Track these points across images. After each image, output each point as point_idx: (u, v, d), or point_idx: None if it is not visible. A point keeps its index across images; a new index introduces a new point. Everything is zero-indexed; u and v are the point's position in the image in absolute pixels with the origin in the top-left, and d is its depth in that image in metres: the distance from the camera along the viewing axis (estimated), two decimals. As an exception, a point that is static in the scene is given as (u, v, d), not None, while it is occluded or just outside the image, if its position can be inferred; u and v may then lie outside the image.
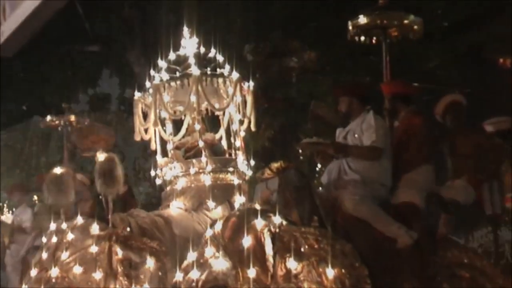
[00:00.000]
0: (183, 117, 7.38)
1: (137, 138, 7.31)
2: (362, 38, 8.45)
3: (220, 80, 7.15)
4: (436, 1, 12.35)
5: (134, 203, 9.38)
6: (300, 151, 6.90)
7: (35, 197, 11.86)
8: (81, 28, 14.15)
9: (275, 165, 6.24)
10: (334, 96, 7.44)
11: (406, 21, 8.26)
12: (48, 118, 11.22)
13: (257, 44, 12.72)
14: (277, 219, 5.73)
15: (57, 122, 11.17)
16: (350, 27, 8.36)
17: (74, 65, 14.60)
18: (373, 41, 8.50)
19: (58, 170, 6.81)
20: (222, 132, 7.58)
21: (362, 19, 8.21)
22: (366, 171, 6.43)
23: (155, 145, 7.31)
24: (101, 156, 6.58)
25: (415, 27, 8.34)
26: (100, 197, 7.29)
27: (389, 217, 6.23)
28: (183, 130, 7.56)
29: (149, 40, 12.94)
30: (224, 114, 7.50)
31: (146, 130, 7.28)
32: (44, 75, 14.28)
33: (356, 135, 6.59)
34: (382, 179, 6.50)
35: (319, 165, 7.10)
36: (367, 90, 7.08)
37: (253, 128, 7.35)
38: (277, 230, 5.67)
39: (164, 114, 7.27)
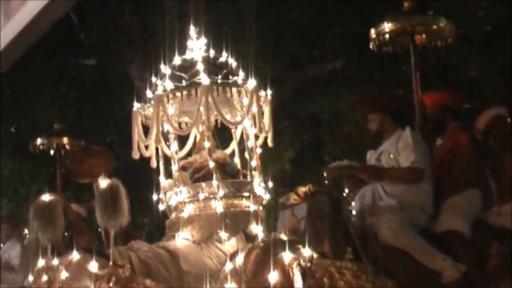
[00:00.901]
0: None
1: (136, 156, 7.13)
2: (387, 48, 8.44)
3: (234, 89, 6.98)
4: (476, 2, 12.18)
5: (137, 236, 9.21)
6: (326, 175, 6.88)
7: (26, 231, 11.69)
8: (75, 39, 14.08)
9: (302, 189, 6.18)
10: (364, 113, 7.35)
11: (435, 26, 8.18)
12: (38, 141, 11.11)
13: (274, 54, 12.54)
14: (306, 251, 5.62)
15: (48, 145, 11.02)
16: (374, 36, 8.28)
17: (68, 81, 14.51)
18: (399, 49, 8.48)
19: (46, 197, 6.68)
20: (234, 148, 7.45)
21: (387, 26, 8.14)
22: (404, 195, 6.39)
23: (156, 163, 7.15)
24: (103, 183, 6.35)
25: (447, 32, 8.26)
26: (99, 229, 7.18)
27: (432, 248, 6.17)
28: (188, 147, 7.43)
29: (152, 51, 12.80)
30: (236, 128, 7.34)
31: (147, 147, 7.13)
32: (35, 93, 14.17)
33: (391, 156, 6.54)
34: (422, 204, 6.44)
35: (346, 190, 6.94)
36: (400, 105, 7.03)
37: (270, 144, 7.23)
38: (308, 264, 5.57)
39: (167, 127, 7.08)
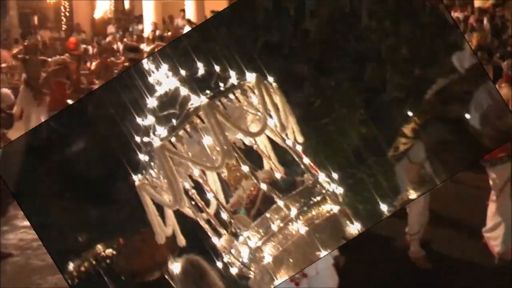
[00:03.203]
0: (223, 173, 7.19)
1: (162, 240, 7.03)
2: None
3: (238, 93, 6.90)
4: None
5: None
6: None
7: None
8: None
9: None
10: None
11: None
12: None
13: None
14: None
15: None
16: None
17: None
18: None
19: None
20: (269, 162, 7.43)
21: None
22: None
23: (184, 240, 7.12)
24: (175, 266, 6.45)
25: None
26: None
27: None
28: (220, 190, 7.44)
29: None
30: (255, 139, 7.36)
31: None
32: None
33: None
34: None
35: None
36: None
37: (299, 139, 7.14)
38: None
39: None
